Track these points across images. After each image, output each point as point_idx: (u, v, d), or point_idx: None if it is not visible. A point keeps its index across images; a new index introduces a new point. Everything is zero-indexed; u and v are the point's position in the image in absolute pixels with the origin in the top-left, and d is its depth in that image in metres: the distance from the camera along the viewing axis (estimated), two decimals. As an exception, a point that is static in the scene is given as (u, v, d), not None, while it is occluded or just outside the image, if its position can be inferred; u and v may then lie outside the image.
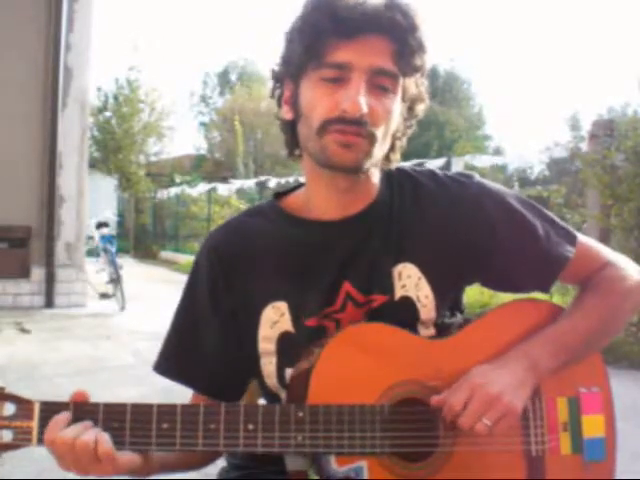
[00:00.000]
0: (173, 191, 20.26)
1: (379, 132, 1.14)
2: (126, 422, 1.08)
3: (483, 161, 10.86)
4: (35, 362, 5.74)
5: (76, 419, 1.07)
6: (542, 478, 1.18)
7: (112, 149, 21.93)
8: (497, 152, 23.97)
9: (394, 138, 1.21)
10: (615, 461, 1.23)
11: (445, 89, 30.99)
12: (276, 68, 1.22)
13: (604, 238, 6.51)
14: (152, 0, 70.91)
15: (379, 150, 1.16)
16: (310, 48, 1.12)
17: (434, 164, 10.00)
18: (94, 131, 21.63)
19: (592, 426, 1.21)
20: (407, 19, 1.12)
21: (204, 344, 1.27)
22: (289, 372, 1.21)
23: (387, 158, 1.23)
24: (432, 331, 1.22)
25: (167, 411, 1.08)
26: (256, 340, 1.23)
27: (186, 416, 1.08)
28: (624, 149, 6.63)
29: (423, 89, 1.22)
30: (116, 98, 22.52)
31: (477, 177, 1.29)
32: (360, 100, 1.10)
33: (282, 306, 1.22)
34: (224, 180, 18.85)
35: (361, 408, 1.11)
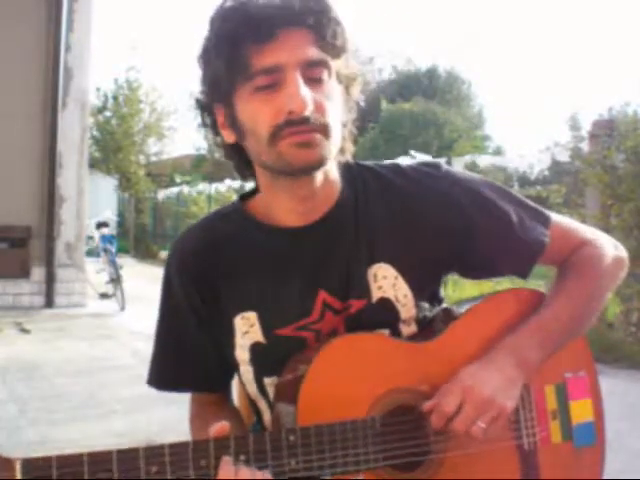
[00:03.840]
0: (173, 191, 20.25)
1: (330, 121, 1.09)
2: (113, 471, 1.00)
3: (483, 161, 10.85)
4: (35, 362, 5.73)
5: (60, 474, 0.98)
6: (535, 470, 1.18)
7: (112, 149, 21.92)
8: (497, 152, 23.95)
9: (342, 125, 1.16)
10: (604, 443, 1.24)
11: (445, 89, 30.97)
12: (200, 97, 1.17)
13: (604, 238, 6.49)
14: (152, 0, 70.88)
15: (335, 140, 1.11)
16: (233, 62, 1.07)
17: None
18: (94, 131, 21.62)
19: (581, 411, 1.22)
20: (319, 3, 1.08)
21: (191, 352, 1.25)
22: (268, 381, 1.20)
23: (341, 149, 1.17)
24: (414, 328, 1.21)
25: (154, 453, 1.02)
26: (234, 347, 1.22)
27: (175, 456, 1.02)
28: (624, 149, 6.63)
29: (354, 68, 1.17)
30: (115, 98, 22.52)
31: (445, 166, 1.25)
32: (304, 95, 1.05)
33: (251, 316, 1.19)
34: (224, 180, 18.84)
35: (352, 424, 1.09)
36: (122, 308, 8.91)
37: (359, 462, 1.08)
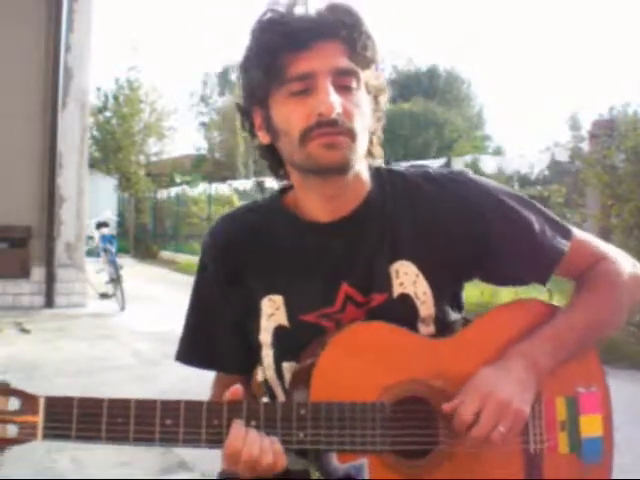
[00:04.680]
0: (173, 191, 20.26)
1: (357, 127, 1.17)
2: (130, 417, 1.09)
3: (484, 161, 10.85)
4: (35, 362, 5.74)
5: (81, 414, 1.09)
6: (540, 476, 1.19)
7: (112, 149, 21.94)
8: (497, 152, 23.97)
9: (369, 132, 1.24)
10: (612, 459, 1.24)
11: (445, 89, 31.00)
12: (241, 101, 1.26)
13: (604, 238, 6.46)
14: (152, 0, 70.90)
15: (361, 144, 1.19)
16: (270, 68, 1.16)
17: (434, 164, 10.00)
18: (94, 131, 21.63)
19: (590, 426, 1.22)
20: (351, 17, 1.18)
21: (220, 329, 1.31)
22: (286, 366, 1.24)
23: (370, 153, 1.26)
24: (432, 329, 1.24)
25: (170, 407, 1.10)
26: (258, 330, 1.27)
27: (189, 412, 1.10)
28: (624, 149, 6.63)
29: (383, 80, 1.26)
30: (116, 98, 22.54)
31: (470, 174, 1.31)
32: (332, 100, 1.14)
33: (278, 299, 1.25)
34: (224, 180, 18.85)
35: (362, 406, 1.12)
36: (122, 308, 8.92)
37: (365, 443, 1.12)
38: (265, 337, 1.26)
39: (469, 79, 32.70)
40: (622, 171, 6.66)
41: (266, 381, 1.31)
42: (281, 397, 1.28)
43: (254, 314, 1.27)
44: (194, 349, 1.34)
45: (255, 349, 1.29)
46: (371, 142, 1.26)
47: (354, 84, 1.18)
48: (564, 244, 1.27)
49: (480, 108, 33.39)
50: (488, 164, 10.66)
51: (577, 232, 1.31)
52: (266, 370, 1.28)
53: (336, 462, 1.13)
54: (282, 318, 1.25)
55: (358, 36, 1.17)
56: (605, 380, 1.26)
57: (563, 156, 8.43)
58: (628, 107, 7.86)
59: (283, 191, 1.33)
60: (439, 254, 1.24)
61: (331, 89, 1.14)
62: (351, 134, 1.16)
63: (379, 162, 1.30)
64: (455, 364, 1.17)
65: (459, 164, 10.40)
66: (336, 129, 1.14)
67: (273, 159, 1.28)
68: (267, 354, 1.27)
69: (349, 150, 1.16)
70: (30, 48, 8.68)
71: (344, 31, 1.16)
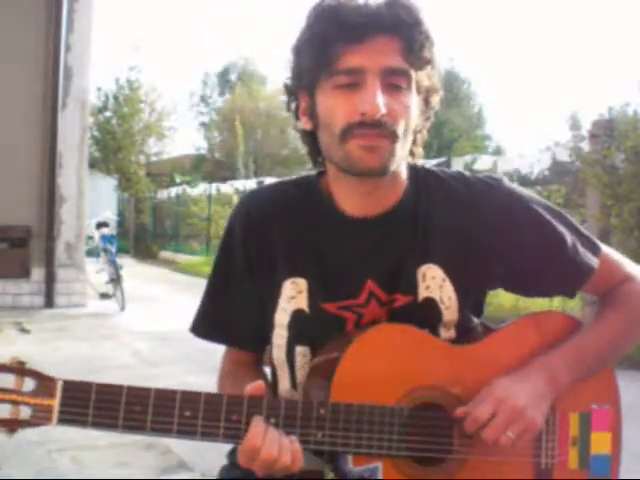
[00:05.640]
0: (173, 191, 20.26)
1: (400, 129, 1.14)
2: (149, 407, 1.07)
3: (483, 161, 10.85)
4: (35, 362, 5.69)
5: (98, 400, 1.06)
6: None
7: (112, 149, 21.93)
8: (497, 152, 23.97)
9: (415, 132, 1.22)
10: (618, 476, 1.25)
11: (445, 89, 30.79)
12: (288, 82, 1.24)
13: (604, 238, 6.50)
14: (152, 0, 70.93)
15: (402, 148, 1.17)
16: (320, 58, 1.13)
17: (434, 164, 9.98)
18: (94, 131, 21.62)
19: (600, 443, 1.22)
20: (411, 15, 1.14)
21: (241, 305, 1.29)
22: (299, 350, 1.23)
23: (411, 153, 1.25)
24: (452, 333, 1.23)
25: (190, 399, 1.08)
26: (275, 309, 1.26)
27: (209, 405, 1.08)
28: (624, 149, 6.63)
29: (436, 80, 1.23)
30: (116, 98, 22.53)
31: (506, 181, 1.29)
32: (378, 101, 1.10)
33: (301, 283, 1.24)
34: (224, 180, 18.85)
35: (381, 409, 1.12)
36: (122, 308, 8.91)
37: (382, 447, 1.11)
38: (281, 318, 1.25)
39: (469, 79, 32.68)
40: (622, 171, 6.65)
41: (272, 361, 1.30)
42: (285, 378, 1.27)
43: (274, 293, 1.25)
44: (212, 324, 1.33)
45: (266, 326, 1.27)
46: (414, 142, 1.24)
47: (404, 84, 1.14)
48: (594, 261, 1.26)
49: (480, 108, 33.36)
50: (487, 164, 10.65)
51: (606, 250, 1.30)
52: (275, 350, 1.27)
53: (351, 465, 1.12)
54: (303, 303, 1.23)
55: (416, 35, 1.14)
56: (619, 398, 1.26)
57: (563, 156, 8.42)
58: (628, 107, 7.84)
59: (321, 173, 1.31)
60: (468, 260, 1.22)
61: (378, 88, 1.11)
62: (393, 137, 1.13)
63: (417, 160, 1.28)
64: (474, 372, 1.17)
65: (459, 164, 10.39)
66: (378, 131, 1.12)
67: (313, 146, 1.25)
68: (281, 335, 1.25)
69: (388, 153, 1.14)
70: (30, 48, 8.67)
71: (401, 28, 1.12)
